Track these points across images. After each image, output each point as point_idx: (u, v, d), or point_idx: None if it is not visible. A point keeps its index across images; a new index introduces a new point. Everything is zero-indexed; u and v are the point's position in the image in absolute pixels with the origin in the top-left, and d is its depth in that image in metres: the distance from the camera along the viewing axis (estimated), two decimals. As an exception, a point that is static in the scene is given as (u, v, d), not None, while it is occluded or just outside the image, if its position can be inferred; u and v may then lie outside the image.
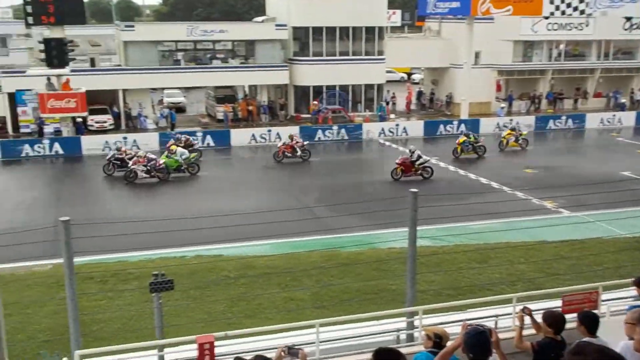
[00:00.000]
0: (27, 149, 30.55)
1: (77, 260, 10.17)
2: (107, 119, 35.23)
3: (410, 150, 26.03)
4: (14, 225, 18.05)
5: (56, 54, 29.96)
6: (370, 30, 38.78)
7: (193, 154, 27.16)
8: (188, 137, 30.11)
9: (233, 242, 17.52)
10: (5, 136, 33.27)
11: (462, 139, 30.13)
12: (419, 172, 25.57)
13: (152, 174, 25.36)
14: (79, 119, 33.46)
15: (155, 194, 24.33)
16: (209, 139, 32.65)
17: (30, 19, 30.53)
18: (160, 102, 41.03)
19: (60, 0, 29.75)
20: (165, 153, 26.58)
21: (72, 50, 31.82)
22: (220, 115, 37.39)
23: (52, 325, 12.81)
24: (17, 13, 49.24)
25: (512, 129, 32.23)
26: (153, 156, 25.90)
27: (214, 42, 38.42)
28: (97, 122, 34.81)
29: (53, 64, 30.16)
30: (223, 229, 17.19)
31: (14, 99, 33.85)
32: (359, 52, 38.88)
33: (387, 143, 33.91)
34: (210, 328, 11.43)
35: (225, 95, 38.56)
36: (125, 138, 32.03)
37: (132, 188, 25.05)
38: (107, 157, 26.84)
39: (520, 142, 31.71)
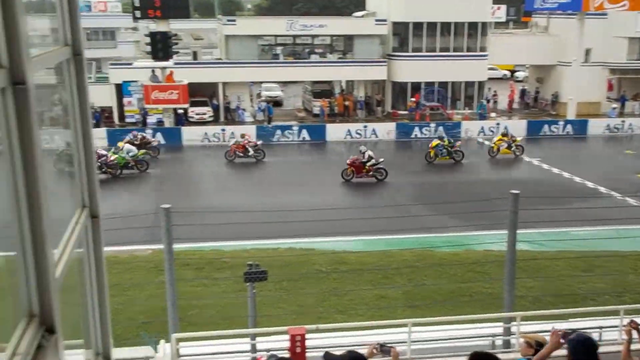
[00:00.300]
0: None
1: (176, 246, 10.44)
2: (206, 111, 36.19)
3: (360, 151, 25.10)
4: (118, 211, 18.92)
5: (161, 47, 31.15)
6: (473, 25, 37.64)
7: (141, 151, 26.96)
8: (145, 135, 29.96)
9: (325, 237, 17.49)
10: (111, 125, 34.82)
11: (435, 142, 27.93)
12: (371, 173, 24.69)
13: (104, 169, 25.35)
14: (180, 111, 34.55)
15: (252, 185, 24.75)
16: (305, 133, 32.87)
17: (137, 13, 31.95)
18: (258, 95, 41.80)
19: (168, -5, 30.98)
20: (113, 150, 26.68)
21: (176, 44, 32.94)
22: (316, 110, 37.58)
23: (151, 308, 13.26)
24: (125, 7, 51.53)
25: (504, 135, 29.34)
26: (104, 152, 25.85)
27: (313, 36, 38.67)
28: (197, 114, 35.80)
29: (158, 57, 31.38)
30: (315, 223, 17.24)
31: (121, 90, 35.40)
32: (460, 48, 37.85)
33: (487, 142, 32.77)
34: (301, 320, 11.42)
35: (322, 90, 38.72)
36: (223, 130, 32.85)
37: (228, 178, 25.63)
38: (57, 152, 27.08)
39: (513, 149, 28.96)
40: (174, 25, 33.93)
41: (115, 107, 35.91)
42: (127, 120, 35.44)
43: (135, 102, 35.07)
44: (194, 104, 35.12)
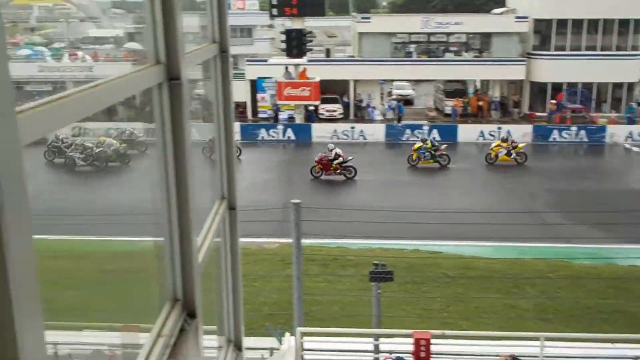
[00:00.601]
0: (263, 133, 32.91)
1: (303, 241, 10.63)
2: (337, 108, 36.35)
3: (328, 149, 25.24)
4: (247, 204, 19.61)
5: (296, 44, 31.89)
6: (624, 22, 34.90)
7: (121, 145, 26.66)
8: (132, 130, 29.63)
9: (453, 240, 17.03)
10: (244, 120, 35.93)
11: (417, 144, 27.18)
12: (339, 171, 24.75)
13: (89, 161, 25.04)
14: (311, 107, 35.02)
15: (379, 184, 24.67)
16: (435, 133, 32.18)
17: (274, 11, 32.90)
18: (389, 93, 41.56)
19: (303, -8, 31.64)
20: (97, 143, 26.52)
21: (310, 41, 33.51)
22: (448, 110, 36.67)
23: (276, 300, 13.61)
24: (262, 5, 53.23)
25: (504, 140, 27.56)
26: (90, 144, 25.87)
27: (448, 34, 37.76)
28: (327, 111, 36.00)
29: (292, 54, 32.14)
30: (443, 226, 16.85)
31: (255, 86, 36.53)
32: (608, 46, 35.20)
33: (635, 149, 30.26)
34: (425, 324, 11.21)
35: (455, 89, 37.68)
36: (352, 128, 32.99)
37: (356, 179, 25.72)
38: (47, 144, 27.38)
39: (513, 156, 27.01)
40: (309, 23, 34.54)
41: (249, 103, 37.16)
42: (260, 115, 36.50)
43: (268, 98, 35.93)
44: (324, 101, 35.45)
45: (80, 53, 35.95)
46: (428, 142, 27.48)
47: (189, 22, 3.93)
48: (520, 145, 27.83)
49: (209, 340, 4.10)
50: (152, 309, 3.08)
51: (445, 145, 27.49)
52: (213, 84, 5.02)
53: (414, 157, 27.12)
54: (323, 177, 25.07)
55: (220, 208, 4.87)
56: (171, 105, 2.96)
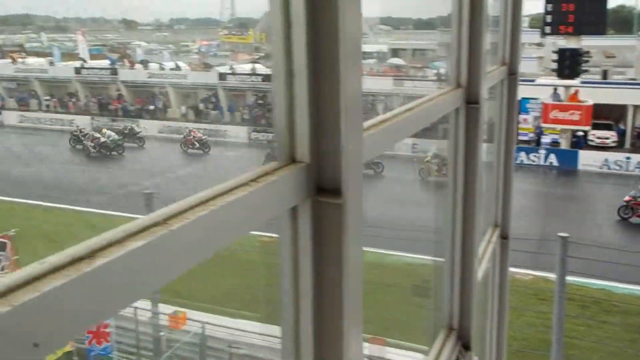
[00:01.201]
0: (522, 156, 31.38)
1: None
2: (610, 135, 33.16)
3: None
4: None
5: (569, 64, 30.05)
6: None
7: (118, 138, 31.12)
8: (132, 126, 33.75)
9: None
10: (505, 142, 34.83)
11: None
12: None
13: (97, 149, 29.51)
14: (580, 133, 32.60)
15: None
16: None
17: (547, 29, 31.36)
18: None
19: (583, 10, 29.50)
20: (99, 134, 30.94)
21: (587, 62, 31.24)
22: None
23: (527, 337, 12.81)
24: (532, 22, 51.19)
25: (436, 156, 22.88)
26: (97, 135, 30.31)
27: None
28: (598, 138, 33.09)
29: (564, 75, 30.31)
30: None
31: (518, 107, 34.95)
32: None
33: None
34: None
35: None
36: (628, 158, 29.89)
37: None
38: (72, 131, 31.91)
39: (445, 172, 19.41)
40: (586, 42, 32.14)
41: (513, 124, 35.77)
42: (520, 137, 34.79)
43: (531, 120, 34.35)
44: (596, 126, 32.65)
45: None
46: None
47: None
48: None
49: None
50: (427, 333, 3.04)
51: None
52: (497, 107, 4.88)
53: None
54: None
55: (493, 236, 4.69)
56: (466, 129, 2.90)
